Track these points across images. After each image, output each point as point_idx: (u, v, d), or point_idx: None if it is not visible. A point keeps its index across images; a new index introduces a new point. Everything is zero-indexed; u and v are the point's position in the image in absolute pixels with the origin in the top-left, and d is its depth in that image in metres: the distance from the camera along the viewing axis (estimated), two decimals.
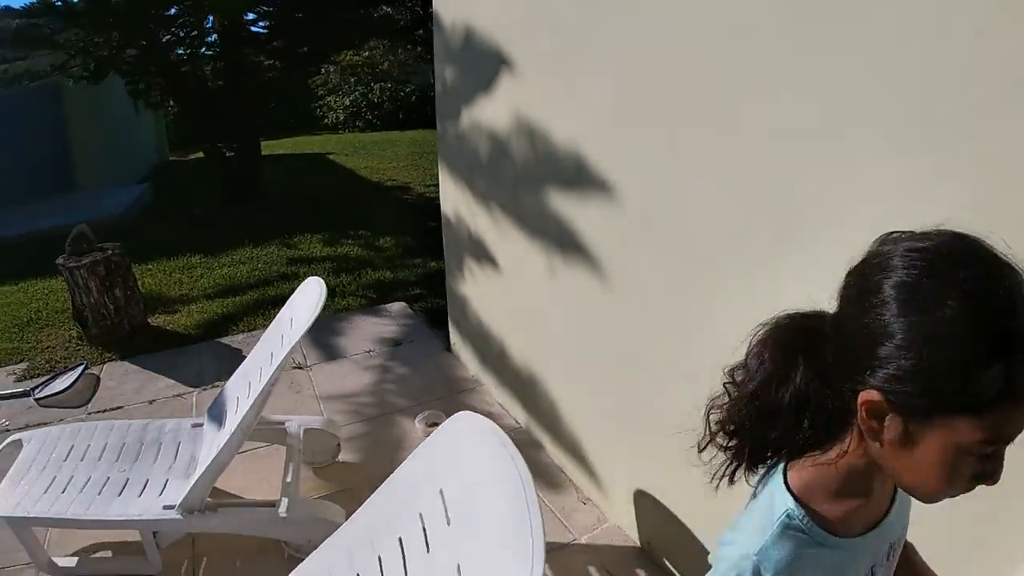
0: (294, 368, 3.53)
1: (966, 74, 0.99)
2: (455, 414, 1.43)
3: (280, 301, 4.70)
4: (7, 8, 6.10)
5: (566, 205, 2.21)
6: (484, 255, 2.94)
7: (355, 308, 4.36)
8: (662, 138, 1.71)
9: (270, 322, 4.01)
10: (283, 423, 2.54)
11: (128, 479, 2.18)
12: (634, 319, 1.99)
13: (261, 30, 7.78)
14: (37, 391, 3.45)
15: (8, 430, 3.22)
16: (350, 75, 15.96)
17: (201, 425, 2.43)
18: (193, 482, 2.00)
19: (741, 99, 1.43)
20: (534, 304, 2.60)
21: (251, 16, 7.67)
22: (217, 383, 3.43)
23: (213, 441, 2.20)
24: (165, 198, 9.49)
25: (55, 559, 2.18)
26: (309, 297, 2.31)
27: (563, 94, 2.15)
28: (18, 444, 2.31)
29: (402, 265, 5.31)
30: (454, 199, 3.18)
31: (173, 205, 8.76)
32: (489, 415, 2.93)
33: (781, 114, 1.33)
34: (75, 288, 3.73)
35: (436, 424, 2.80)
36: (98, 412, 3.30)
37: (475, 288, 3.16)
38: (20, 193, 8.93)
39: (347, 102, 16.59)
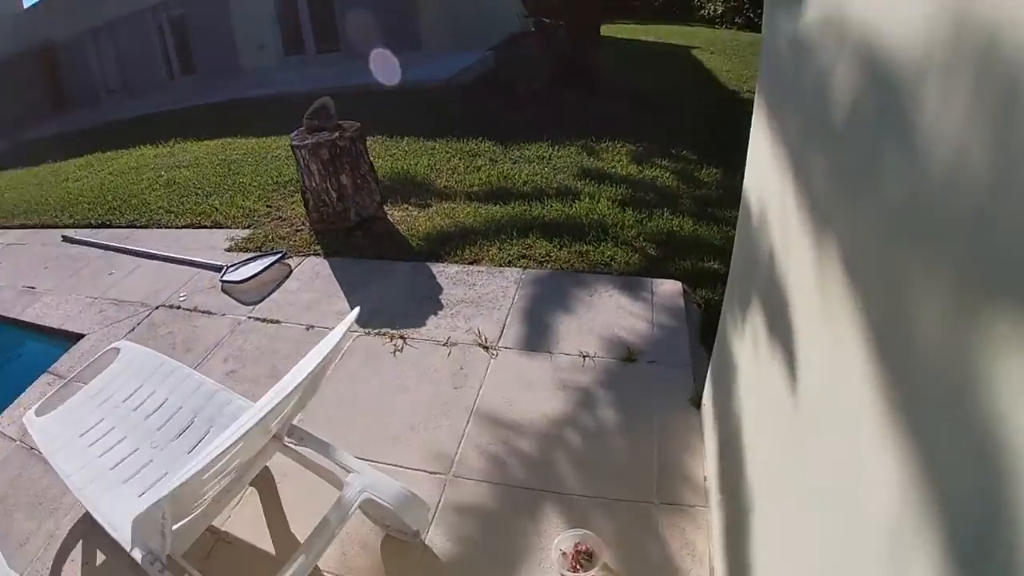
0: (478, 345, 2.46)
1: None
2: None
3: (536, 225, 3.59)
4: None
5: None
6: (774, 302, 1.25)
7: (616, 268, 2.98)
8: None
9: (504, 255, 3.01)
10: (347, 471, 1.61)
11: (151, 461, 1.74)
12: None
13: None
14: (226, 272, 3.14)
15: (180, 306, 2.95)
16: None
17: None
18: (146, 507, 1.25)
19: None
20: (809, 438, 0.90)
21: None
22: (381, 329, 2.59)
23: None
24: (502, 69, 8.98)
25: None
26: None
27: None
28: (115, 352, 2.18)
29: (713, 217, 3.64)
30: (761, 175, 1.46)
31: (505, 77, 8.22)
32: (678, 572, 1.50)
33: None
34: (299, 168, 3.20)
35: (586, 554, 1.57)
36: (258, 319, 2.80)
37: (745, 343, 1.51)
38: (367, 48, 9.51)
39: None
